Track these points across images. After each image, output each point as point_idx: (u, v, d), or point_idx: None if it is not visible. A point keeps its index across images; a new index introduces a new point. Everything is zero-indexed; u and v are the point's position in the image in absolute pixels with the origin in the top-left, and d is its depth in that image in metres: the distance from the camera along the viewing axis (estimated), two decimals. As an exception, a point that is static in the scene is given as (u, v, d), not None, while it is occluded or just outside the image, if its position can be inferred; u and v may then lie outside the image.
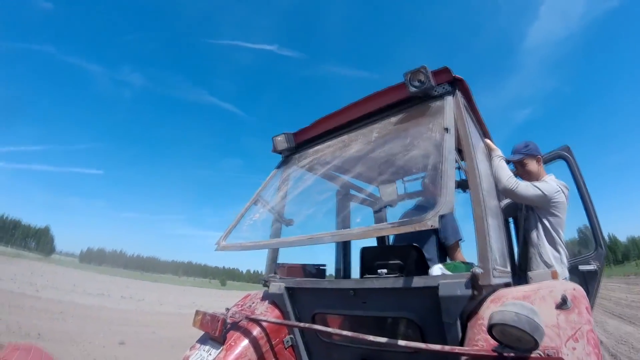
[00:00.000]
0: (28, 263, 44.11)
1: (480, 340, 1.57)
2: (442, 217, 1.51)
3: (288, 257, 3.00)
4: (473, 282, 1.68)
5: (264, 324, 2.51)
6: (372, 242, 4.02)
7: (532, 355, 1.35)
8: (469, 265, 2.22)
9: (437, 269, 2.18)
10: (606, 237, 3.55)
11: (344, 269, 3.84)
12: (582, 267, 3.40)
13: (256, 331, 2.46)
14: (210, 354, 2.35)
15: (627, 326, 11.53)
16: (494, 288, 1.81)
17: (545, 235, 2.89)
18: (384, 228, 1.94)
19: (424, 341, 1.84)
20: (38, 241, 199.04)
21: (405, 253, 2.39)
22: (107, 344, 8.42)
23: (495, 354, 1.41)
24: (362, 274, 2.48)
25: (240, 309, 2.74)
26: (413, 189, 3.76)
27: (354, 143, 2.59)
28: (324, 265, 3.40)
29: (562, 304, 1.51)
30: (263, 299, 2.80)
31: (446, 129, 1.91)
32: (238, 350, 2.34)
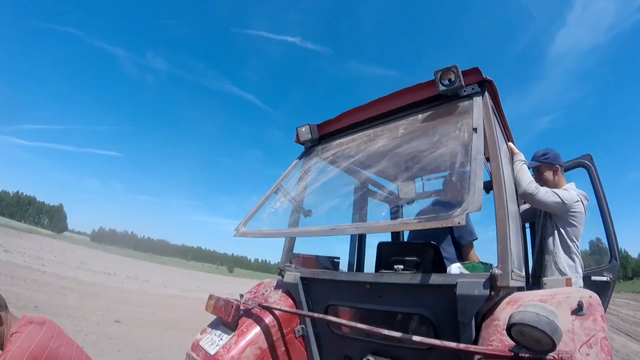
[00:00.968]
0: (39, 239, 44.80)
1: (495, 340, 1.57)
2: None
3: (299, 248, 3.00)
4: (491, 282, 1.69)
5: (277, 312, 2.52)
6: (386, 239, 4.11)
7: (547, 357, 1.34)
8: (487, 266, 2.21)
9: (455, 268, 2.18)
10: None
11: (357, 263, 3.86)
12: (595, 278, 3.36)
13: (268, 319, 2.48)
14: (221, 339, 2.38)
15: (633, 344, 11.24)
16: (510, 291, 1.80)
17: (561, 244, 2.86)
18: (410, 222, 1.92)
19: (437, 339, 1.81)
20: (51, 218, 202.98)
21: (422, 250, 2.39)
22: (102, 321, 8.41)
23: (511, 354, 1.41)
24: (378, 268, 2.49)
25: (253, 296, 2.76)
26: (430, 188, 3.76)
27: (379, 138, 2.59)
28: (338, 258, 3.40)
29: (578, 310, 1.51)
30: (277, 287, 2.82)
31: (475, 129, 1.91)
32: (249, 336, 2.36)
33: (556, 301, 1.60)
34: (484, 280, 1.72)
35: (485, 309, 1.78)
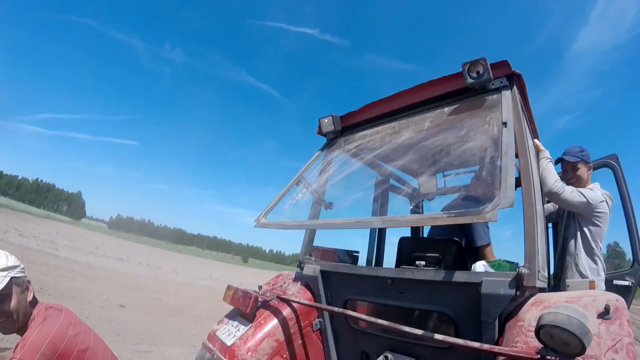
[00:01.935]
0: (56, 224, 45.44)
1: (519, 342, 1.53)
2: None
3: (316, 241, 2.97)
4: (518, 282, 1.66)
5: (295, 305, 2.51)
6: (406, 235, 4.04)
7: None
8: (513, 265, 2.17)
9: (480, 266, 2.14)
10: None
11: (376, 258, 3.83)
12: (616, 282, 3.31)
13: (286, 311, 2.47)
14: (238, 330, 2.37)
15: None
16: (535, 291, 1.75)
17: (583, 245, 2.82)
18: (439, 217, 1.85)
19: (457, 337, 1.76)
20: (69, 205, 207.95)
21: (445, 247, 2.36)
22: (107, 305, 8.39)
23: (538, 356, 1.36)
24: (399, 264, 2.46)
25: (272, 287, 2.75)
26: (452, 184, 3.74)
27: (404, 131, 2.54)
28: (358, 252, 3.37)
29: (605, 314, 1.46)
30: (295, 279, 2.81)
31: (504, 123, 1.86)
32: (267, 328, 2.35)
33: (582, 303, 1.54)
34: (510, 279, 1.68)
35: (509, 309, 1.74)
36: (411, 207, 4.04)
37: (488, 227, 3.02)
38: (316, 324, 2.58)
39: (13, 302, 1.80)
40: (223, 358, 2.20)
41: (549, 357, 1.34)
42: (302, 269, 2.72)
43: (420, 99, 2.51)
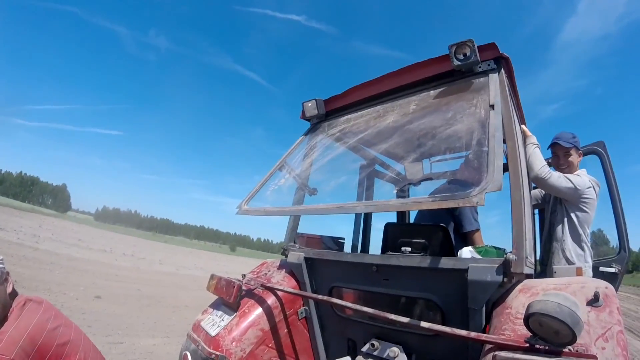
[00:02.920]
0: (40, 218, 44.67)
1: (507, 329, 1.50)
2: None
3: (302, 227, 2.94)
4: (505, 268, 1.63)
5: (280, 293, 2.49)
6: (392, 220, 4.12)
7: (564, 350, 1.28)
8: (500, 251, 2.16)
9: (466, 252, 2.12)
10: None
11: (362, 245, 3.81)
12: (602, 269, 3.30)
13: (271, 300, 2.45)
14: (222, 320, 2.34)
15: (637, 341, 10.40)
16: (522, 278, 1.73)
17: (570, 231, 2.84)
18: (424, 201, 1.81)
19: (444, 325, 1.77)
20: (55, 198, 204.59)
21: (431, 232, 2.34)
22: (82, 296, 8.27)
23: (527, 345, 1.34)
24: (384, 250, 2.43)
25: (256, 276, 2.72)
26: (438, 169, 3.70)
27: (389, 115, 2.50)
28: (343, 238, 3.36)
29: (594, 301, 1.44)
30: (280, 267, 2.79)
31: (492, 106, 1.83)
32: (251, 317, 2.33)
33: (571, 290, 1.52)
34: (497, 265, 1.66)
35: (496, 296, 1.72)
36: (397, 192, 4.02)
37: (477, 213, 3.01)
38: (301, 312, 2.57)
39: None
40: (208, 349, 2.17)
41: (538, 346, 1.32)
42: (286, 256, 2.69)
43: (406, 81, 2.47)
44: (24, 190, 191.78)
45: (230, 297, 2.33)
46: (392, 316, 1.73)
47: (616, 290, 3.20)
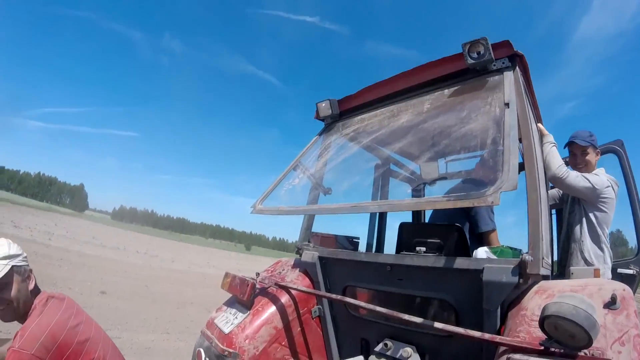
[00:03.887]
0: (56, 216, 45.44)
1: (522, 331, 1.47)
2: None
3: (317, 227, 2.94)
4: (521, 269, 1.61)
5: (293, 292, 2.49)
6: (407, 220, 4.08)
7: (580, 354, 1.25)
8: (516, 252, 2.13)
9: (482, 252, 2.10)
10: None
11: (377, 244, 3.80)
12: (620, 270, 3.23)
13: (285, 298, 2.45)
14: (236, 317, 2.35)
15: None
16: (538, 279, 1.70)
17: (589, 231, 2.78)
18: (438, 201, 1.79)
19: (458, 326, 1.76)
20: (72, 197, 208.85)
21: (446, 232, 2.33)
22: (88, 292, 8.34)
23: (541, 347, 1.32)
24: (399, 250, 2.43)
25: (270, 274, 2.74)
26: (453, 169, 3.69)
27: (403, 114, 2.49)
28: (358, 238, 3.34)
29: (611, 304, 1.39)
30: (294, 266, 2.80)
31: (507, 104, 1.80)
32: (265, 316, 2.33)
33: (588, 292, 1.49)
34: (512, 266, 1.63)
35: (512, 297, 1.69)
36: (412, 192, 4.00)
37: (493, 212, 2.98)
38: (315, 311, 2.57)
39: (13, 291, 1.80)
40: (221, 345, 2.19)
41: (553, 349, 1.29)
42: (300, 255, 2.70)
43: (420, 81, 2.45)
44: (42, 190, 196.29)
45: (244, 295, 2.34)
46: (406, 316, 1.72)
47: (634, 292, 3.06)
